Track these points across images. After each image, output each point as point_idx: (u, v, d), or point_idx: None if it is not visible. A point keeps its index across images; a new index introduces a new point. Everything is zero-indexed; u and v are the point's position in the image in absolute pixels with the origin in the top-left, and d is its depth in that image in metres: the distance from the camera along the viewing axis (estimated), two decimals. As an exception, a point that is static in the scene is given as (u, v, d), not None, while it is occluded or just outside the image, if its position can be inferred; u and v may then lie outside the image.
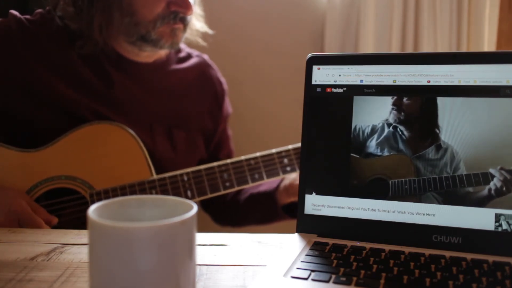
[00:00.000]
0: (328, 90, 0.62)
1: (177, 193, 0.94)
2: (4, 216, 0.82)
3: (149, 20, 0.95)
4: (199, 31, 1.12)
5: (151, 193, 0.93)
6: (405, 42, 1.50)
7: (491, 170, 0.54)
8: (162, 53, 1.08)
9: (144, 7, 0.93)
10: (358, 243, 0.56)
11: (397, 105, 0.59)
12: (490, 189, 0.54)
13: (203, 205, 1.20)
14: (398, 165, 0.58)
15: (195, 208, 0.42)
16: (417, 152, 0.57)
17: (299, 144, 0.96)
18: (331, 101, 0.61)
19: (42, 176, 0.91)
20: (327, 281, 0.46)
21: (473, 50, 1.48)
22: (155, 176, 0.94)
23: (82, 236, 0.69)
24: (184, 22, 0.98)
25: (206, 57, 1.17)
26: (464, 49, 1.49)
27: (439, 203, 0.56)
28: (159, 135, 1.02)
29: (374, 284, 0.46)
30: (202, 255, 0.61)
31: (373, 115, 0.59)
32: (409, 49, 1.49)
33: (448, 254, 0.53)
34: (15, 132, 0.98)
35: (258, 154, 0.98)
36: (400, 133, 0.58)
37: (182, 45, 1.15)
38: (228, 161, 0.97)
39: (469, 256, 0.52)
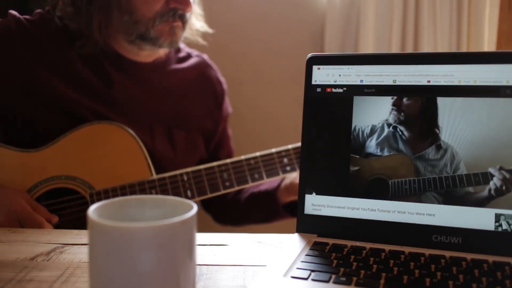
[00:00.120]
0: (328, 90, 0.62)
1: (177, 193, 0.94)
2: (4, 216, 0.82)
3: (148, 18, 0.95)
4: (199, 30, 1.12)
5: (151, 193, 0.93)
6: (405, 42, 1.50)
7: (491, 170, 0.54)
8: (162, 52, 1.08)
9: (143, 4, 0.94)
10: (358, 243, 0.56)
11: (397, 105, 0.59)
12: (490, 189, 0.54)
13: (203, 204, 1.20)
14: (398, 165, 0.58)
15: (195, 208, 0.42)
16: (417, 152, 0.57)
17: (299, 144, 0.97)
18: (331, 101, 0.61)
19: (42, 176, 0.91)
20: (327, 281, 0.46)
21: (473, 50, 1.48)
22: (155, 176, 0.94)
23: (82, 236, 0.69)
24: (183, 19, 0.98)
25: (205, 57, 1.17)
26: (464, 49, 1.49)
27: (439, 203, 0.56)
28: (159, 135, 1.02)
29: (374, 284, 0.46)
30: (202, 255, 0.61)
31: (373, 115, 0.59)
32: (409, 49, 1.49)
33: (448, 254, 0.53)
34: (15, 132, 0.98)
35: (258, 153, 0.98)
36: (400, 133, 0.58)
37: (182, 45, 1.15)
38: (228, 161, 0.97)
39: (469, 256, 0.52)
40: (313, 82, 0.62)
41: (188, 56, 1.14)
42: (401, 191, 0.58)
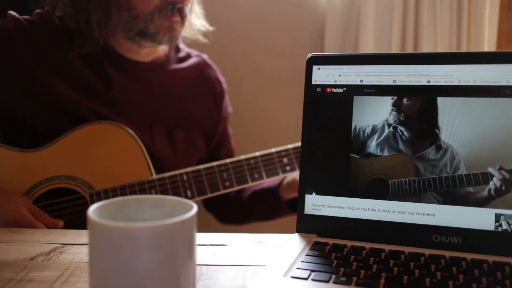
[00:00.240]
0: (328, 90, 0.62)
1: (176, 193, 0.94)
2: (4, 225, 0.82)
3: (147, 13, 0.95)
4: (200, 30, 1.12)
5: (150, 193, 0.93)
6: (405, 42, 1.50)
7: (491, 170, 0.54)
8: (161, 51, 1.08)
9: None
10: (358, 243, 0.56)
11: (397, 105, 0.59)
12: (490, 189, 0.54)
13: (205, 205, 1.20)
14: (398, 165, 0.58)
15: (195, 208, 0.42)
16: (417, 152, 0.57)
17: (298, 144, 0.97)
18: (331, 101, 0.61)
19: (41, 176, 0.91)
20: (327, 281, 0.46)
21: (473, 50, 1.48)
22: (154, 176, 0.94)
23: (82, 236, 0.69)
24: (181, 13, 0.98)
25: (205, 56, 1.17)
26: (464, 49, 1.49)
27: (439, 203, 0.56)
28: (158, 135, 1.02)
29: (374, 284, 0.46)
30: (202, 255, 0.61)
31: (373, 115, 0.59)
32: (409, 49, 1.49)
33: (448, 254, 0.53)
34: (14, 132, 0.98)
35: (257, 153, 0.98)
36: (400, 133, 0.58)
37: (182, 45, 1.15)
38: (228, 160, 0.97)
39: (469, 256, 0.52)
40: (313, 82, 0.62)
41: (188, 56, 1.14)
42: (401, 191, 0.58)
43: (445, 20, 1.49)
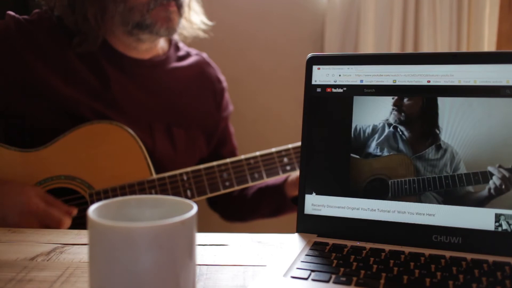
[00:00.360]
0: (328, 90, 0.62)
1: (176, 193, 0.94)
2: (19, 217, 0.82)
3: (142, 3, 0.95)
4: (200, 27, 1.13)
5: (150, 193, 0.93)
6: (405, 42, 1.50)
7: (490, 168, 0.54)
8: (160, 49, 1.08)
9: None
10: (358, 243, 0.56)
11: (397, 105, 0.59)
12: (489, 188, 0.54)
13: (210, 203, 1.20)
14: (398, 165, 0.58)
15: (195, 208, 0.42)
16: (417, 152, 0.57)
17: (299, 143, 0.97)
18: (331, 101, 0.61)
19: (41, 176, 0.91)
20: (327, 281, 0.46)
21: (473, 50, 1.48)
22: (154, 176, 0.94)
23: (82, 236, 0.69)
24: (177, 2, 0.99)
25: (205, 55, 1.17)
26: (464, 49, 1.49)
27: (439, 203, 0.56)
28: (158, 134, 1.02)
29: (374, 284, 0.46)
30: (202, 255, 0.61)
31: (373, 115, 0.59)
32: (409, 49, 1.49)
33: (448, 254, 0.53)
34: (14, 132, 0.98)
35: (258, 153, 0.98)
36: (400, 133, 0.58)
37: (181, 44, 1.15)
38: (228, 160, 0.97)
39: (469, 256, 0.52)
40: (313, 82, 0.62)
41: (188, 55, 1.14)
42: (401, 191, 0.58)
43: (445, 20, 1.49)
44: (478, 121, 0.55)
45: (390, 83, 0.59)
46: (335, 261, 0.51)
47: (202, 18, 1.13)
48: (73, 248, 0.63)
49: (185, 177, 0.95)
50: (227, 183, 0.96)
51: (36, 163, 0.91)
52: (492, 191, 0.54)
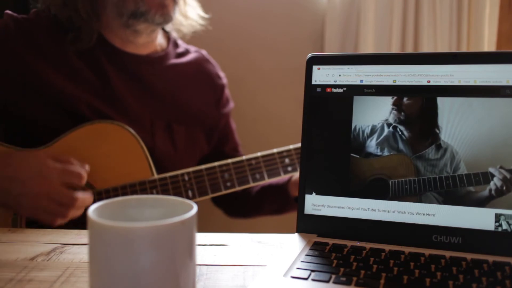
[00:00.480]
0: (328, 90, 0.62)
1: (178, 193, 0.94)
2: (38, 185, 0.80)
3: None
4: (197, 22, 1.13)
5: (152, 193, 0.93)
6: (405, 42, 1.50)
7: (491, 170, 0.54)
8: (158, 46, 1.08)
9: None
10: (358, 243, 0.56)
11: (397, 105, 0.59)
12: (490, 189, 0.54)
13: (213, 199, 1.20)
14: (398, 165, 0.58)
15: (195, 208, 0.42)
16: (417, 152, 0.57)
17: (300, 144, 0.97)
18: (331, 101, 0.61)
19: (42, 176, 0.91)
20: (327, 281, 0.46)
21: (473, 50, 1.48)
22: (156, 176, 0.94)
23: (82, 236, 0.69)
24: None
25: (204, 52, 1.17)
26: (464, 49, 1.49)
27: (439, 203, 0.56)
28: (159, 131, 1.02)
29: (374, 284, 0.46)
30: (202, 255, 0.61)
31: (373, 115, 0.59)
32: (409, 49, 1.49)
33: (448, 254, 0.53)
34: (15, 131, 0.98)
35: (259, 154, 0.99)
36: (400, 133, 0.58)
37: (180, 41, 1.15)
38: (229, 161, 0.97)
39: (469, 256, 0.52)
40: (313, 82, 0.62)
41: (187, 52, 1.14)
42: (401, 191, 0.58)
43: (445, 20, 1.49)
44: (478, 121, 0.55)
45: (390, 83, 0.59)
46: (335, 261, 0.51)
47: (198, 11, 1.14)
48: (73, 248, 0.63)
49: (186, 177, 0.95)
50: (228, 184, 0.97)
51: (37, 163, 0.91)
52: (492, 192, 0.54)
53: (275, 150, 0.99)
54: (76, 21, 0.96)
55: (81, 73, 0.97)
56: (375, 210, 0.58)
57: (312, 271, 0.48)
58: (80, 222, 0.93)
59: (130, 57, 1.02)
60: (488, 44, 1.50)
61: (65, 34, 0.98)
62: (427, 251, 0.53)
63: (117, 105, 0.98)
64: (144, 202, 0.46)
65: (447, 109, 0.56)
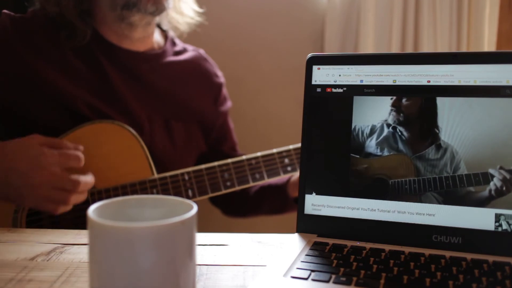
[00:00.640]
0: (328, 90, 0.62)
1: (178, 192, 0.94)
2: (39, 176, 0.79)
3: None
4: (192, 18, 1.13)
5: (152, 193, 0.93)
6: (405, 42, 1.50)
7: (491, 170, 0.54)
8: (155, 43, 1.08)
9: None
10: (358, 243, 0.56)
11: (397, 105, 0.59)
12: (490, 189, 0.54)
13: (211, 198, 1.20)
14: (398, 165, 0.58)
15: (195, 208, 0.42)
16: (417, 152, 0.57)
17: (300, 144, 0.97)
18: (331, 101, 0.61)
19: (42, 176, 0.91)
20: (327, 281, 0.46)
21: (473, 50, 1.48)
22: (156, 176, 0.94)
23: (82, 236, 0.69)
24: None
25: (202, 51, 1.18)
26: (464, 49, 1.49)
27: (439, 203, 0.56)
28: (157, 128, 1.02)
29: (374, 284, 0.46)
30: (202, 255, 0.61)
31: (373, 115, 0.59)
32: (409, 49, 1.49)
33: (448, 254, 0.53)
34: (15, 131, 0.98)
35: (259, 153, 0.99)
36: (400, 133, 0.58)
37: (177, 40, 1.15)
38: (229, 160, 0.98)
39: (469, 256, 0.52)
40: (313, 82, 0.62)
41: (184, 50, 1.15)
42: (401, 191, 0.58)
43: (445, 20, 1.49)
44: (478, 121, 0.55)
45: (390, 83, 0.59)
46: (335, 261, 0.51)
47: (193, 6, 1.14)
48: (73, 248, 0.63)
49: (186, 177, 0.95)
50: (228, 183, 0.97)
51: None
52: (492, 192, 0.54)
53: (274, 150, 0.99)
54: (68, 17, 0.96)
55: (78, 71, 0.97)
56: (375, 210, 0.58)
57: (312, 271, 0.48)
58: (80, 222, 0.93)
59: (126, 54, 1.02)
60: (488, 44, 1.50)
61: (60, 32, 0.98)
62: (427, 251, 0.53)
63: (115, 101, 0.98)
64: (144, 202, 0.46)
65: (447, 109, 0.56)
